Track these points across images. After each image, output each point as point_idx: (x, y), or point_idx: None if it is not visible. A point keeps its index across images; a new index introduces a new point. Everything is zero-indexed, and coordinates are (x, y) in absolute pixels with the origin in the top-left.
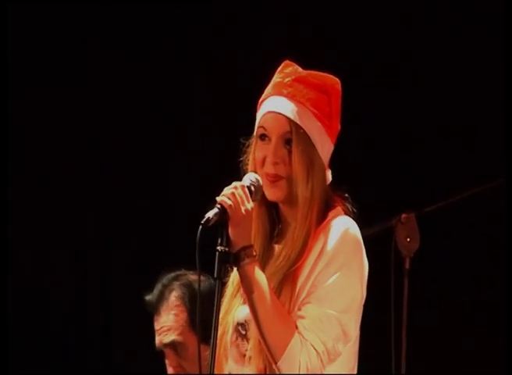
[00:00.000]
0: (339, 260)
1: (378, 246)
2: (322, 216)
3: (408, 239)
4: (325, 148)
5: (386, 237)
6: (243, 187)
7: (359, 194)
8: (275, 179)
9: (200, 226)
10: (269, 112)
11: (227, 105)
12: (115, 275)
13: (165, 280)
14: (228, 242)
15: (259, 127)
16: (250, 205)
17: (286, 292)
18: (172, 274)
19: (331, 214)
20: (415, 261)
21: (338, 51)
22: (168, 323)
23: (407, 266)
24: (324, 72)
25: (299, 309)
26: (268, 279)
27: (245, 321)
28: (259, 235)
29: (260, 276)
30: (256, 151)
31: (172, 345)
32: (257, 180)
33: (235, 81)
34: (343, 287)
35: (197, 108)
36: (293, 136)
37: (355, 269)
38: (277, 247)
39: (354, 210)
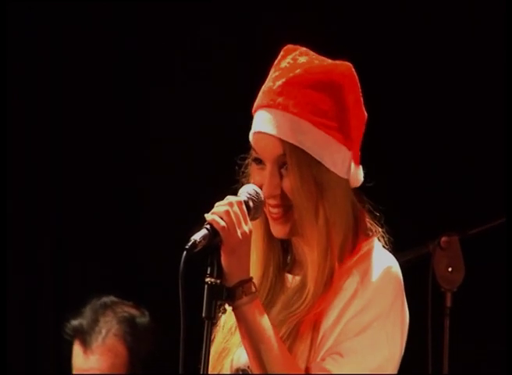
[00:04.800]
0: (378, 306)
1: (411, 278)
2: (352, 244)
3: (450, 269)
4: (338, 158)
5: (421, 266)
6: (239, 203)
7: (384, 212)
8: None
9: (185, 252)
10: (257, 132)
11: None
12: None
13: (97, 306)
14: (220, 273)
15: (252, 149)
16: (248, 226)
17: (305, 339)
18: (106, 301)
19: (365, 245)
20: (459, 296)
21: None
22: (103, 368)
23: (449, 303)
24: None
25: (323, 360)
26: (281, 321)
27: (248, 367)
28: (270, 262)
29: (263, 321)
30: (254, 176)
31: None
32: (257, 194)
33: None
34: (380, 340)
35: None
36: (288, 159)
37: (395, 318)
38: (291, 277)
39: (391, 238)
